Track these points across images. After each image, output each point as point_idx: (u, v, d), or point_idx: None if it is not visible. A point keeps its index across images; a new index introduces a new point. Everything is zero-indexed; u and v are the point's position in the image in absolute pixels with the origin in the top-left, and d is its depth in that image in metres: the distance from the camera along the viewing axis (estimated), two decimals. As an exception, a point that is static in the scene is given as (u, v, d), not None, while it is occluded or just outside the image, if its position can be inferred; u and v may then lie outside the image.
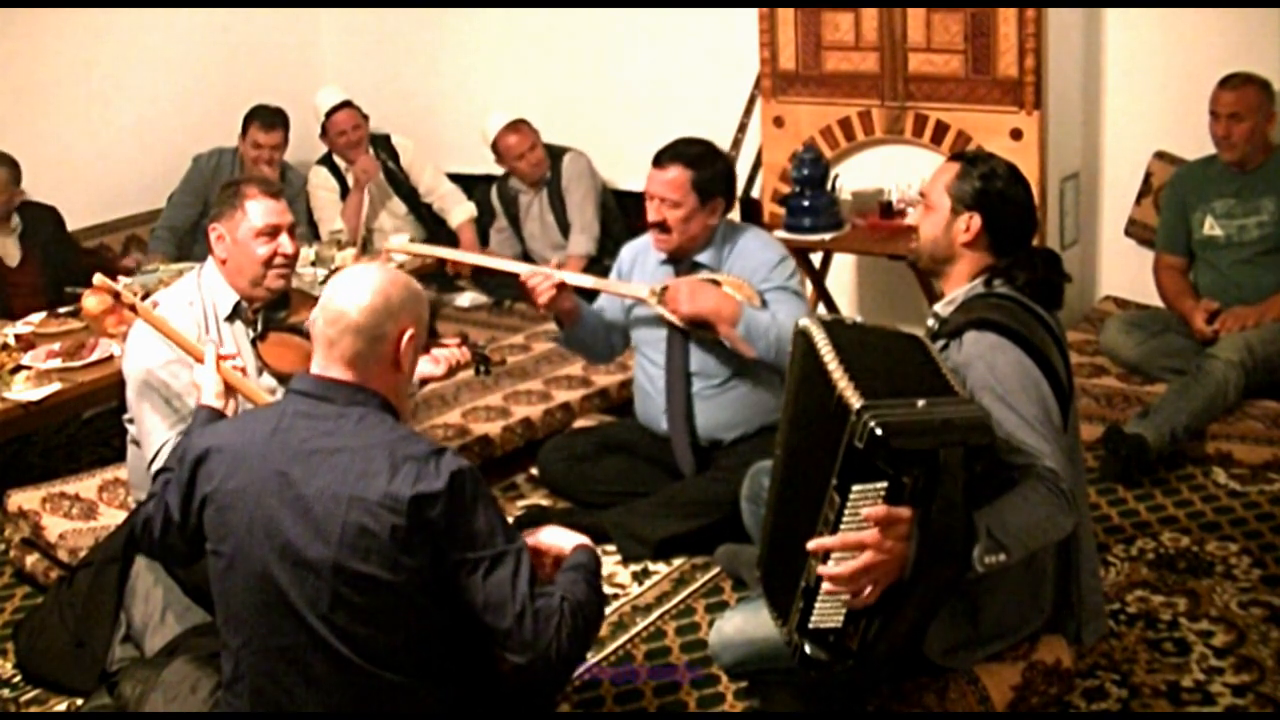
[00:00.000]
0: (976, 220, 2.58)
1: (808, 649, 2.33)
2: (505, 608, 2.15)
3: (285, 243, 3.13)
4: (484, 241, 5.80)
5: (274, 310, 3.20)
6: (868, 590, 2.20)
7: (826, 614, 2.30)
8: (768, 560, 2.60)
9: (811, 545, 2.23)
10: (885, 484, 2.15)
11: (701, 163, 3.54)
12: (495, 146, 5.49)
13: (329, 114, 5.65)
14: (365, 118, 5.72)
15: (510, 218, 5.67)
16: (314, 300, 3.32)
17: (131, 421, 3.17)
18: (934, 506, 2.16)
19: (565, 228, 5.51)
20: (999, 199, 2.58)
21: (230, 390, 2.72)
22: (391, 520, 2.11)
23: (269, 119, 5.51)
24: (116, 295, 2.97)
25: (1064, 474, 2.36)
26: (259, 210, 3.11)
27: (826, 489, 2.22)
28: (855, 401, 2.16)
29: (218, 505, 2.24)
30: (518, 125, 5.45)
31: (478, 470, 2.20)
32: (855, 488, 2.18)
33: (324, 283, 3.17)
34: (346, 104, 5.67)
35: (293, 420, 2.23)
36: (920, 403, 2.17)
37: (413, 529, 2.11)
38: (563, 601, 2.20)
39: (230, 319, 3.16)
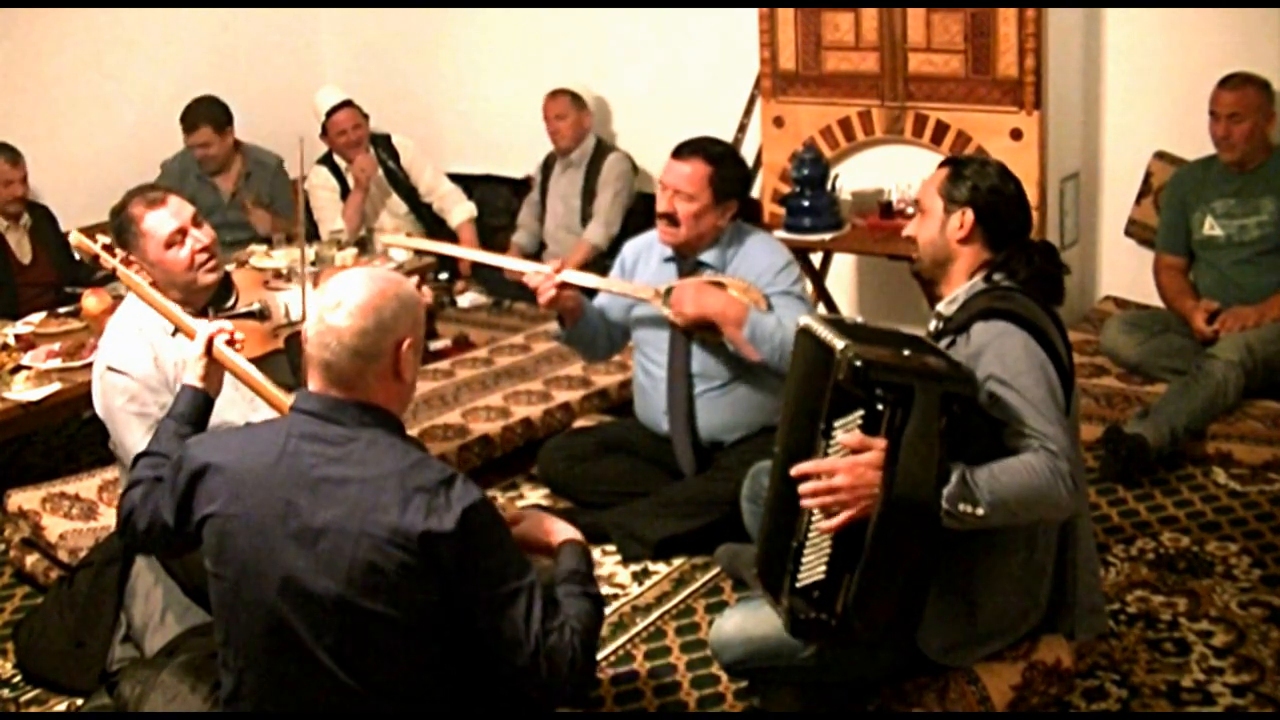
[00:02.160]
0: (969, 215, 2.62)
1: (796, 610, 2.40)
2: (520, 648, 2.12)
3: (198, 235, 3.03)
4: (484, 241, 5.80)
5: (220, 302, 3.12)
6: (842, 517, 2.31)
7: (811, 565, 2.38)
8: (765, 554, 2.62)
9: (794, 470, 2.35)
10: (862, 412, 2.29)
11: (722, 162, 3.54)
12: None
13: (329, 114, 5.65)
14: (365, 117, 5.72)
15: (542, 188, 5.67)
16: (259, 280, 3.25)
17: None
18: (905, 437, 2.26)
19: (586, 219, 5.49)
20: (990, 193, 2.62)
21: (218, 368, 2.59)
22: (401, 558, 2.06)
23: (187, 120, 5.46)
24: (97, 257, 2.91)
25: (1069, 458, 2.37)
26: (155, 222, 3.01)
27: (816, 438, 2.36)
28: (839, 343, 2.32)
29: (219, 529, 2.18)
30: (557, 94, 5.50)
31: (489, 501, 2.15)
32: (837, 423, 2.33)
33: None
34: (347, 104, 5.67)
35: (299, 443, 2.16)
36: (905, 351, 2.33)
37: (422, 565, 2.07)
38: (573, 635, 2.16)
39: (176, 332, 2.97)
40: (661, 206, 3.56)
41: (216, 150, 5.46)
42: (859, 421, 2.31)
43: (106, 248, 2.93)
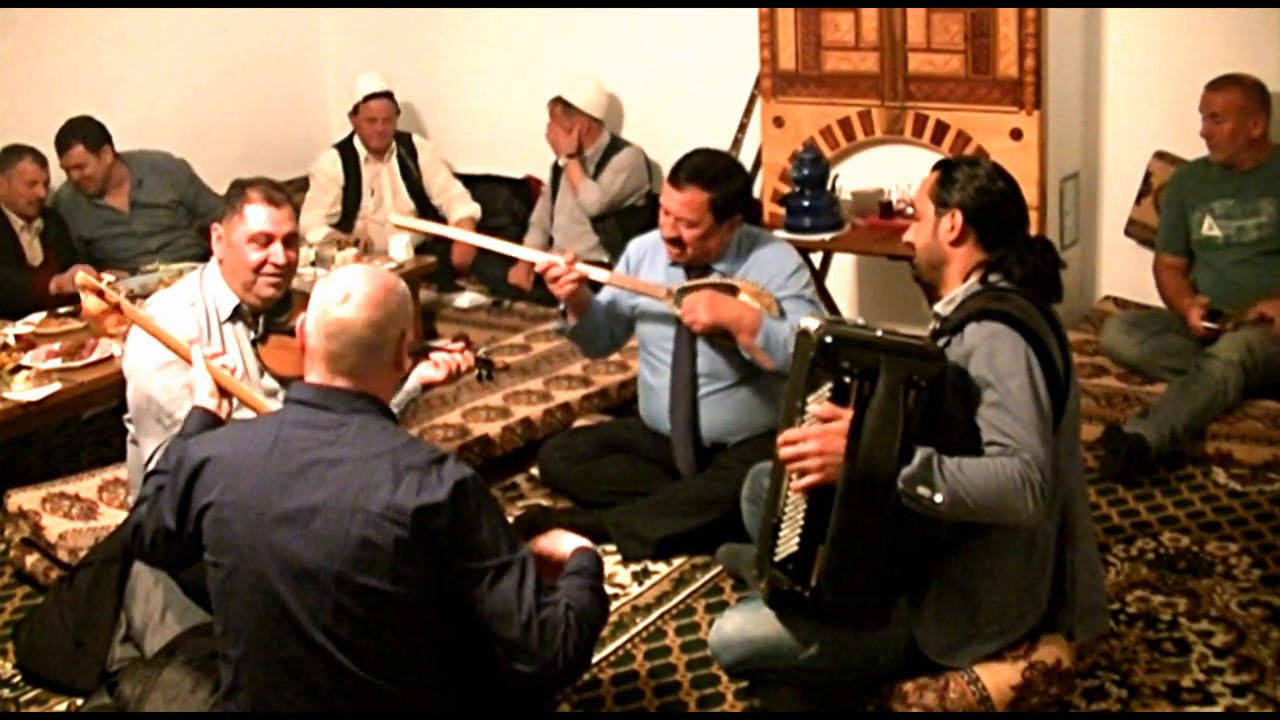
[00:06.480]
0: (958, 217, 2.63)
1: (775, 583, 2.51)
2: (511, 618, 2.14)
3: (277, 252, 3.10)
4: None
5: (275, 313, 3.18)
6: (810, 479, 2.43)
7: (786, 539, 2.50)
8: (758, 543, 2.64)
9: (779, 440, 2.48)
10: (831, 385, 2.43)
11: (719, 182, 3.48)
12: None
13: (366, 98, 5.68)
14: (398, 112, 5.79)
15: (553, 186, 5.66)
16: None
17: (131, 421, 3.17)
18: (870, 409, 2.37)
19: (596, 218, 5.47)
20: (978, 194, 2.63)
21: (224, 390, 2.70)
22: (395, 532, 2.10)
23: (60, 143, 5.08)
24: (101, 294, 2.96)
25: (1043, 469, 2.38)
26: (255, 215, 3.09)
27: (794, 417, 2.49)
28: (814, 324, 2.46)
29: (217, 516, 2.22)
30: (553, 103, 5.49)
31: (480, 478, 2.19)
32: (810, 398, 2.47)
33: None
34: (387, 94, 5.72)
35: (292, 430, 2.21)
36: (878, 333, 2.46)
37: (416, 540, 2.11)
38: (568, 610, 2.19)
39: (231, 320, 3.16)
40: (666, 232, 3.54)
41: (93, 170, 5.12)
42: (829, 394, 2.43)
43: (111, 284, 3.00)
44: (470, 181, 5.96)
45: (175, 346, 2.86)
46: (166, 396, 3.00)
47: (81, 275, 3.01)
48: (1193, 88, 4.35)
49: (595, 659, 3.04)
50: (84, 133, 5.11)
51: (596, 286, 3.72)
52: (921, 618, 2.55)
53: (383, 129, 5.73)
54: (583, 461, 3.82)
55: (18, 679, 3.19)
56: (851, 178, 4.88)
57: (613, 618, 3.24)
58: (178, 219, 5.35)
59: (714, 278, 3.56)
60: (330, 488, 2.14)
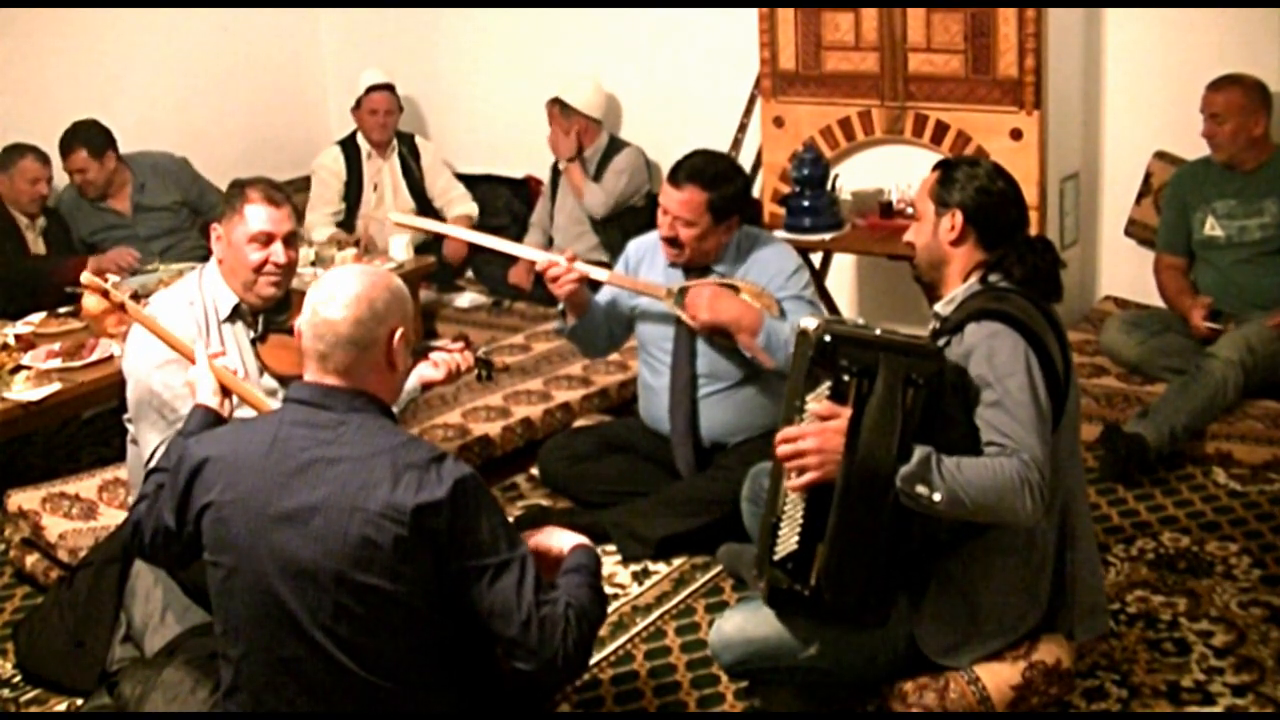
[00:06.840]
0: (958, 217, 2.63)
1: (774, 582, 2.51)
2: (511, 616, 2.14)
3: (278, 251, 3.10)
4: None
5: (275, 312, 3.19)
6: (808, 477, 2.43)
7: (786, 538, 2.51)
8: (760, 550, 2.63)
9: (777, 438, 2.49)
10: (830, 383, 2.44)
11: (718, 183, 3.48)
12: None
13: (368, 90, 5.69)
14: (400, 108, 5.80)
15: (553, 186, 5.66)
16: None
17: (131, 421, 3.18)
18: (868, 407, 2.39)
19: (596, 223, 5.47)
20: (977, 194, 2.63)
21: (226, 389, 2.70)
22: (395, 531, 2.10)
23: (63, 145, 5.08)
24: (105, 294, 2.96)
25: (1042, 469, 2.38)
26: (255, 215, 3.09)
27: (794, 416, 2.50)
28: (812, 323, 2.48)
29: (216, 516, 2.22)
30: (551, 104, 5.48)
31: (479, 476, 2.19)
32: (809, 397, 2.48)
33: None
34: (389, 87, 5.74)
35: (291, 429, 2.21)
36: (877, 331, 2.47)
37: (415, 539, 2.11)
38: (568, 608, 2.19)
39: (230, 320, 3.16)
40: (664, 231, 3.54)
41: (94, 175, 5.10)
42: (827, 392, 2.45)
43: (115, 285, 3.00)
44: (470, 181, 5.97)
45: (178, 346, 2.86)
46: (169, 393, 3.01)
47: (86, 275, 3.01)
48: (1193, 88, 4.36)
49: (595, 659, 3.04)
50: (87, 137, 5.10)
51: (596, 286, 3.72)
52: (921, 618, 2.55)
53: (384, 121, 5.74)
54: (583, 461, 3.82)
55: (18, 679, 3.19)
56: (851, 178, 4.89)
57: (613, 618, 3.24)
58: (180, 221, 5.35)
59: (713, 279, 3.56)
60: (329, 486, 2.14)
